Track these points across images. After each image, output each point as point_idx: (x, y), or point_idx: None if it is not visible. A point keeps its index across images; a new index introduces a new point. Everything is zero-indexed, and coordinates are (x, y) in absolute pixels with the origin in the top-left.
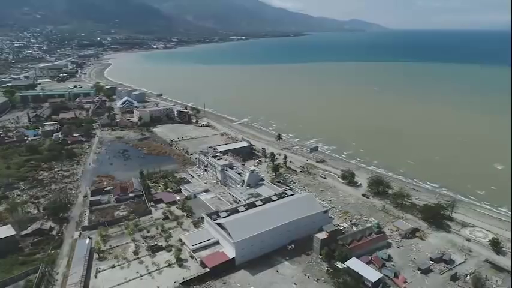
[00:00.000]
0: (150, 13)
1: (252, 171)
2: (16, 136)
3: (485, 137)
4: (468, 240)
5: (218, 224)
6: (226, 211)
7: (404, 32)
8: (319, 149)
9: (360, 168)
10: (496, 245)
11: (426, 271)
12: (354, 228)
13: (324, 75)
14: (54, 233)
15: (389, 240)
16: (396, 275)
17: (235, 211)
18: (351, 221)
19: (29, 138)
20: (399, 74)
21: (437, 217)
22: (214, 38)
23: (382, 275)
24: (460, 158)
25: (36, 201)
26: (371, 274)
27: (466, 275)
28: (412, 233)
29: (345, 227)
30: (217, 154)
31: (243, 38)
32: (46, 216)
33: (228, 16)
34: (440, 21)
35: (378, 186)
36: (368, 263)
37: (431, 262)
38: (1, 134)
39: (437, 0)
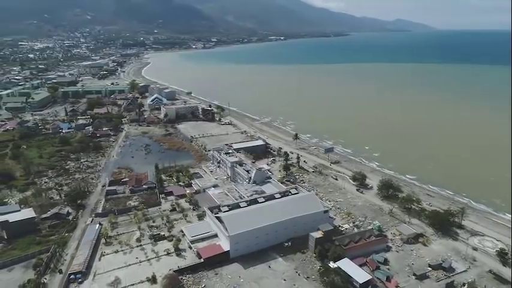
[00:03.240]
0: (192, 14)
1: (258, 169)
2: (52, 128)
3: None
4: (475, 249)
5: (217, 217)
6: (228, 206)
7: (452, 32)
8: (335, 150)
9: (374, 170)
10: (503, 256)
11: (422, 277)
12: (356, 230)
13: (355, 76)
14: (70, 217)
15: (390, 244)
16: (389, 279)
17: (236, 206)
18: (353, 222)
19: (63, 131)
20: (437, 76)
21: (445, 224)
22: (253, 38)
23: (371, 277)
24: (482, 165)
25: (59, 188)
26: (360, 275)
27: (464, 284)
28: (415, 238)
29: (346, 228)
30: (230, 151)
31: (282, 38)
32: (66, 202)
33: (268, 16)
34: (492, 21)
35: (388, 190)
36: (362, 265)
37: (429, 269)
38: (39, 126)
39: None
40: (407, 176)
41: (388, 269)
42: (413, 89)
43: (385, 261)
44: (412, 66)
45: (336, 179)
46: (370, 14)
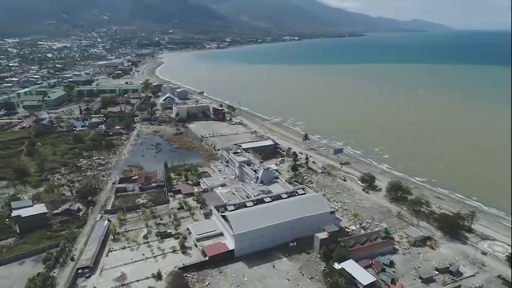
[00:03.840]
0: (207, 14)
1: (266, 169)
2: (66, 126)
3: None
4: (484, 253)
5: (223, 216)
6: (234, 205)
7: (470, 32)
8: (345, 151)
9: (384, 172)
10: None
11: (428, 281)
12: (363, 232)
13: (368, 77)
14: (80, 214)
15: (396, 247)
16: (393, 281)
17: (242, 206)
18: (360, 224)
19: (77, 129)
20: (452, 77)
21: (454, 227)
22: (267, 38)
23: (375, 279)
24: (494, 167)
25: (71, 185)
26: (364, 277)
27: None
28: (423, 241)
29: (352, 230)
30: (238, 151)
31: (296, 38)
32: (76, 199)
33: (283, 16)
34: None
35: (397, 192)
36: (367, 266)
37: (436, 272)
38: (54, 124)
39: None
40: (418, 178)
41: (394, 272)
42: (427, 89)
43: (391, 264)
44: (427, 67)
45: (345, 180)
46: (386, 14)
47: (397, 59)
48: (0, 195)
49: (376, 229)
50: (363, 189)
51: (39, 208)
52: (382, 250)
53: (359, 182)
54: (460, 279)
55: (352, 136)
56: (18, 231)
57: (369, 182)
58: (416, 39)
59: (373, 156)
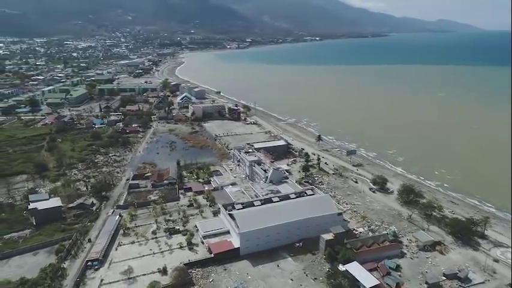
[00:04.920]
0: (229, 14)
1: (275, 169)
2: (86, 124)
3: None
4: (496, 260)
5: (230, 214)
6: (242, 204)
7: (499, 32)
8: (359, 153)
9: (397, 175)
10: None
11: (434, 286)
12: (371, 234)
13: (388, 78)
14: (94, 208)
15: (404, 250)
16: (398, 285)
17: (250, 205)
18: (369, 226)
19: (96, 126)
20: (477, 79)
21: (466, 232)
22: (288, 38)
23: (378, 282)
24: None
25: (87, 180)
26: (367, 280)
27: None
28: (432, 246)
29: (360, 232)
30: (250, 150)
31: (317, 38)
32: (91, 194)
33: (304, 17)
34: None
35: (409, 195)
36: (373, 269)
37: (443, 278)
38: (75, 121)
39: None
40: (432, 181)
41: (400, 276)
42: (449, 92)
43: (397, 268)
44: (451, 69)
45: (356, 182)
46: (411, 14)
47: (421, 60)
48: (20, 189)
49: (385, 232)
50: (370, 188)
51: (55, 202)
52: (389, 253)
53: (370, 184)
54: (468, 286)
55: (367, 138)
56: (34, 223)
57: (380, 185)
58: (442, 39)
59: (388, 158)
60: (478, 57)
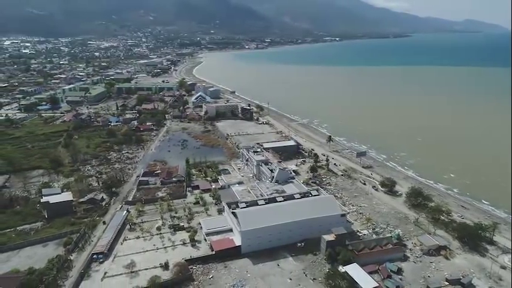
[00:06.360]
0: (249, 14)
1: (281, 169)
2: (102, 121)
3: None
4: (503, 267)
5: (233, 212)
6: (246, 202)
7: None
8: (369, 155)
9: (407, 177)
10: None
11: None
12: (375, 236)
13: (406, 79)
14: (103, 203)
15: (408, 254)
16: None
17: (254, 204)
18: (373, 229)
19: (112, 124)
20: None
21: (473, 238)
22: (307, 39)
23: (377, 284)
24: None
25: (99, 176)
26: (366, 282)
27: None
28: (437, 250)
29: (364, 234)
30: (258, 150)
31: (337, 39)
32: (102, 189)
33: (325, 17)
34: None
35: (417, 198)
36: (373, 272)
37: (445, 283)
38: (91, 118)
39: None
40: (443, 185)
41: (401, 279)
42: (471, 94)
43: (399, 271)
44: (477, 70)
45: (364, 184)
46: (436, 14)
47: (442, 62)
48: (36, 183)
49: (389, 235)
50: (372, 187)
51: (66, 196)
52: (392, 256)
53: (379, 186)
54: None
55: (378, 140)
56: (46, 216)
57: (389, 187)
58: (467, 40)
59: (398, 160)
60: (503, 58)
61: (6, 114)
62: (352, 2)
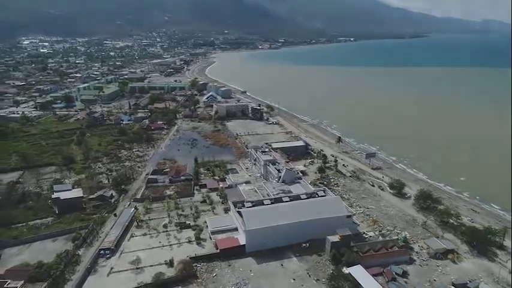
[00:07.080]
0: (263, 14)
1: (288, 169)
2: (114, 120)
3: None
4: None
5: (238, 212)
6: (252, 202)
7: None
8: (379, 156)
9: (417, 180)
10: None
11: None
12: (381, 239)
13: (420, 81)
14: (113, 200)
15: (414, 257)
16: None
17: (260, 203)
18: (380, 231)
19: (123, 122)
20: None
21: (482, 242)
22: (321, 39)
23: (381, 287)
24: None
25: (109, 173)
26: (369, 284)
27: None
28: (444, 254)
29: (370, 236)
30: (266, 150)
31: (351, 39)
32: (111, 186)
33: (340, 17)
34: None
35: (426, 201)
36: (378, 274)
37: (451, 287)
38: (104, 117)
39: None
40: (454, 188)
41: (406, 282)
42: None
43: (404, 274)
44: (500, 72)
45: (373, 185)
46: (454, 14)
47: (459, 62)
48: (48, 179)
49: (395, 237)
50: (379, 187)
51: (76, 192)
52: (397, 259)
53: (387, 188)
54: None
55: (389, 141)
56: (57, 212)
57: (398, 189)
58: (484, 41)
59: (409, 162)
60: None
61: (23, 112)
62: (367, 1)
